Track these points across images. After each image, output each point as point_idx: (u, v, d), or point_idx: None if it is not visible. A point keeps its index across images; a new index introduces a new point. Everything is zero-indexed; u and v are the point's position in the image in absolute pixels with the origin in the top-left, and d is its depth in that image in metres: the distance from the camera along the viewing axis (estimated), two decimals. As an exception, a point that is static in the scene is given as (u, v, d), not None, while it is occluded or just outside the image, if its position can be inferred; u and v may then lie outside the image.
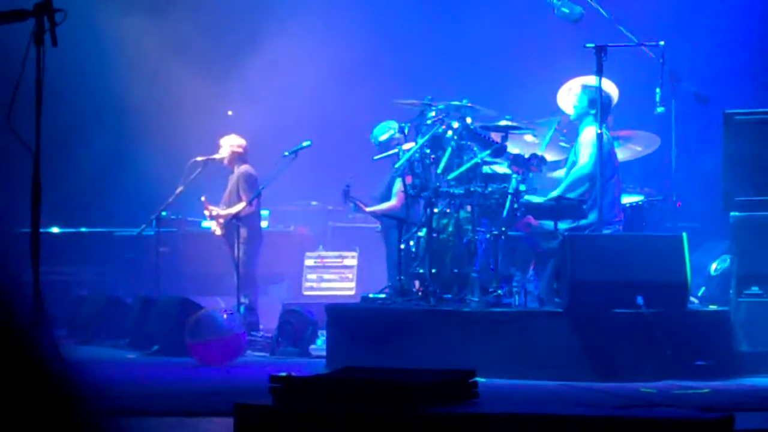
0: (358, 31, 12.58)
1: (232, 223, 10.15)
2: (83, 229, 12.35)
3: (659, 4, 10.36)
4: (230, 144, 10.61)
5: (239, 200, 10.39)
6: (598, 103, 7.70)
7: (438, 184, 8.00)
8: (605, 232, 7.73)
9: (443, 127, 8.15)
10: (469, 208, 7.94)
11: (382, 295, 8.17)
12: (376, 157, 9.36)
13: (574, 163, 8.23)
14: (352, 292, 11.52)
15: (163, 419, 5.22)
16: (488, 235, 7.76)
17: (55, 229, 12.05)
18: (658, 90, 7.93)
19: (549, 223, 7.86)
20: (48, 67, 5.20)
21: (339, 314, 7.93)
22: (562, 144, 8.76)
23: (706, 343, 7.04)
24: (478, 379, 4.21)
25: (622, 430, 3.76)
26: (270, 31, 12.76)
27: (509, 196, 7.73)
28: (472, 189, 7.82)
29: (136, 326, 9.66)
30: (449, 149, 8.01)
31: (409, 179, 8.46)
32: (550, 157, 8.42)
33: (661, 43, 7.90)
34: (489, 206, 7.81)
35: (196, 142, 11.40)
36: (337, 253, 12.07)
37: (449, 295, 7.70)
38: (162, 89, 12.75)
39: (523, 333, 7.11)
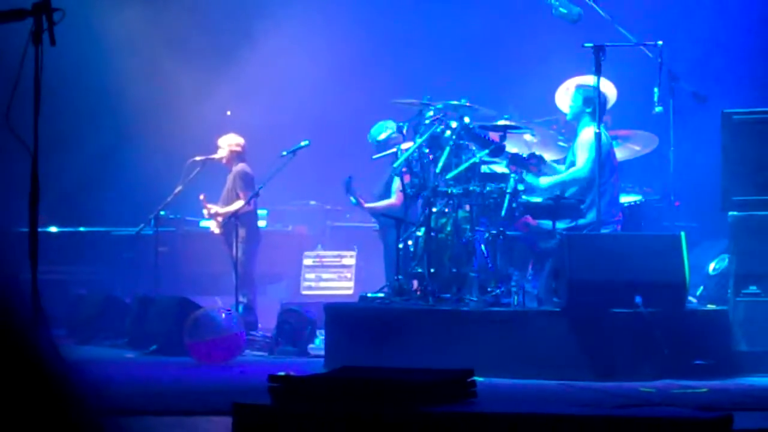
0: (356, 31, 12.57)
1: (230, 222, 10.13)
2: (81, 229, 12.34)
3: (657, 4, 10.37)
4: (229, 143, 10.59)
5: (237, 198, 10.38)
6: (596, 102, 7.70)
7: (436, 183, 8.00)
8: (603, 231, 7.73)
9: (442, 126, 8.15)
10: (467, 207, 7.94)
11: (381, 295, 8.16)
12: (374, 157, 9.36)
13: (572, 163, 8.23)
14: (350, 292, 11.50)
15: (162, 418, 5.21)
16: (487, 235, 7.76)
17: (53, 229, 12.04)
18: (656, 89, 7.93)
19: (547, 223, 7.86)
20: (46, 67, 5.20)
21: (337, 314, 7.93)
22: (561, 143, 8.76)
23: (704, 342, 7.04)
24: (476, 378, 4.21)
25: (621, 429, 3.76)
26: (268, 30, 12.75)
27: (507, 196, 7.73)
28: (470, 188, 7.82)
29: (134, 326, 9.66)
30: (448, 149, 8.01)
31: (407, 178, 8.46)
32: (548, 156, 8.43)
33: (660, 42, 7.90)
34: (487, 206, 7.81)
35: (194, 141, 11.39)
36: (335, 253, 12.06)
37: (448, 295, 7.70)
38: (161, 88, 12.75)
39: (521, 332, 7.11)
